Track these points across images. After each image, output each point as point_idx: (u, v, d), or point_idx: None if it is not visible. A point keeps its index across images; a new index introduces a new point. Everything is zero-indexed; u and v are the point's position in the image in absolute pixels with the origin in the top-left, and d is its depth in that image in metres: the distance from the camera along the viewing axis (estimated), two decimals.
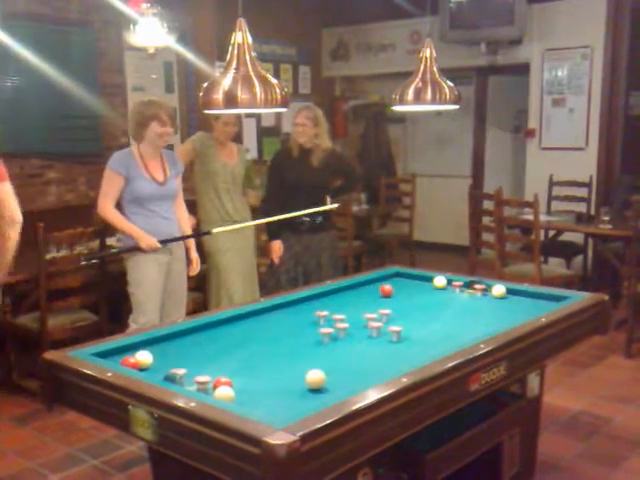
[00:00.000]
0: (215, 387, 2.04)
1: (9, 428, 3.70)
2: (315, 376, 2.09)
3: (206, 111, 2.47)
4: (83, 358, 2.31)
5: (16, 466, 3.30)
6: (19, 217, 2.66)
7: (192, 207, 4.62)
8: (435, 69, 3.29)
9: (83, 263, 3.90)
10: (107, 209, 3.75)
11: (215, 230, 3.91)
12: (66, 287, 4.03)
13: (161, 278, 3.82)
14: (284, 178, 4.32)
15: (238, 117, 4.62)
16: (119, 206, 3.83)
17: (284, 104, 2.40)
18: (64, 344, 2.74)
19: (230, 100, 2.31)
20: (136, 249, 3.72)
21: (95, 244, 4.33)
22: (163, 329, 2.70)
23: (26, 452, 3.44)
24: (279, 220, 4.37)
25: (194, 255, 4.00)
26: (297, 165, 4.30)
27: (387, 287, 3.29)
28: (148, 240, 3.70)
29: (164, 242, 3.75)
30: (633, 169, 6.18)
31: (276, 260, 4.35)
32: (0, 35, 4.74)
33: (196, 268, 4.02)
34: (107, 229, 4.19)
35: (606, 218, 5.29)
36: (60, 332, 4.00)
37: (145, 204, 3.76)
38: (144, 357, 2.31)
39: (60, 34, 5.59)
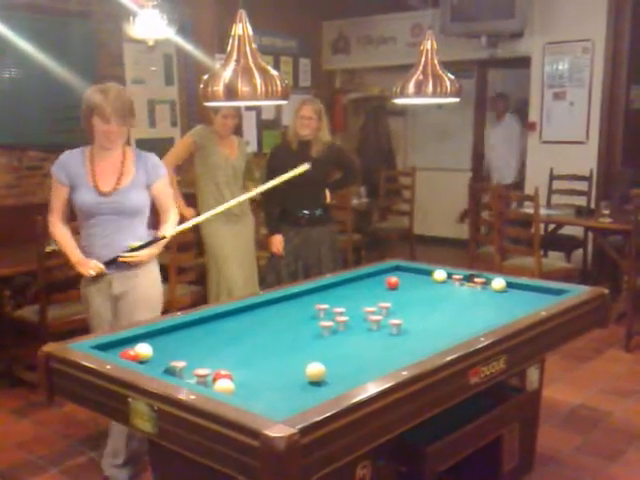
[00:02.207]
0: (215, 380, 2.04)
1: (8, 420, 3.71)
2: (315, 369, 2.09)
3: (206, 104, 2.47)
4: (83, 350, 2.31)
5: (16, 458, 3.30)
6: None
7: (192, 200, 4.62)
8: (436, 62, 3.28)
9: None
10: (52, 225, 3.08)
11: (168, 234, 3.10)
12: (65, 280, 4.02)
13: (107, 312, 3.08)
14: (282, 171, 4.30)
15: (238, 110, 4.60)
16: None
17: (285, 96, 2.39)
18: (64, 337, 2.73)
19: (230, 92, 2.30)
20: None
21: None
22: (163, 322, 2.70)
23: (25, 444, 3.45)
24: (279, 214, 4.38)
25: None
26: (296, 158, 4.28)
27: (393, 279, 3.29)
28: (85, 266, 2.98)
29: (108, 264, 2.98)
30: (633, 163, 6.17)
31: (278, 253, 4.33)
32: None
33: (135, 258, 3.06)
34: None
35: (606, 212, 5.28)
36: (60, 325, 4.00)
37: (87, 219, 3.01)
38: (144, 350, 2.30)
39: (59, 25, 5.57)
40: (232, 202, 3.42)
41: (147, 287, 3.08)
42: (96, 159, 3.02)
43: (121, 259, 2.96)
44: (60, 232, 3.06)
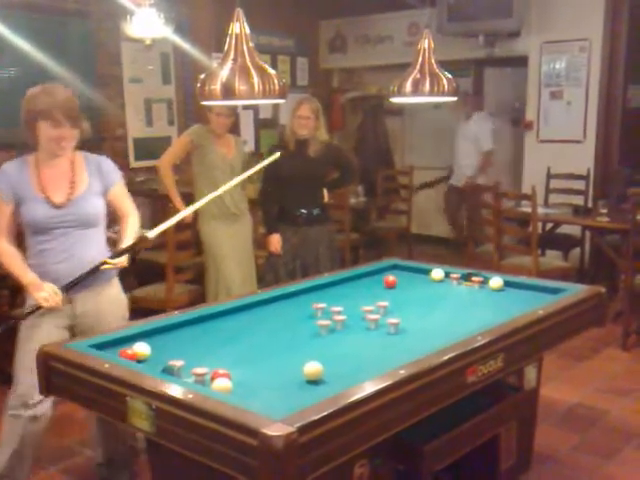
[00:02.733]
0: (213, 379, 2.04)
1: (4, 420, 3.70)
2: (313, 368, 2.09)
3: (203, 102, 2.46)
4: (80, 350, 2.31)
5: None
6: None
7: (189, 200, 4.61)
8: (433, 61, 3.28)
9: None
10: None
11: (113, 261, 2.74)
12: None
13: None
14: (280, 171, 4.31)
15: (232, 108, 4.59)
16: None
17: (282, 95, 2.38)
18: None
19: (228, 91, 2.30)
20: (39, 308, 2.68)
21: None
22: (161, 321, 2.70)
23: None
24: (277, 213, 4.38)
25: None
26: (294, 157, 4.29)
27: (391, 278, 3.29)
28: (39, 289, 2.65)
29: (68, 288, 2.68)
30: (631, 162, 6.18)
31: (276, 252, 4.33)
32: None
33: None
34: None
35: (603, 211, 5.29)
36: None
37: (39, 235, 2.72)
38: (142, 349, 2.30)
39: (57, 25, 5.58)
40: (219, 191, 3.25)
41: (111, 303, 2.86)
42: (42, 168, 2.74)
43: (104, 267, 2.72)
44: (6, 252, 2.70)
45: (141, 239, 2.77)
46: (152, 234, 2.73)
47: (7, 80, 5.33)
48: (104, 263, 2.71)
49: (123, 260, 2.77)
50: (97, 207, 2.79)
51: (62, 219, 2.70)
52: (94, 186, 2.79)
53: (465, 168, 7.10)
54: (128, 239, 2.81)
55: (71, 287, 2.68)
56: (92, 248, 2.77)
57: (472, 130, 7.09)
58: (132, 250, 2.81)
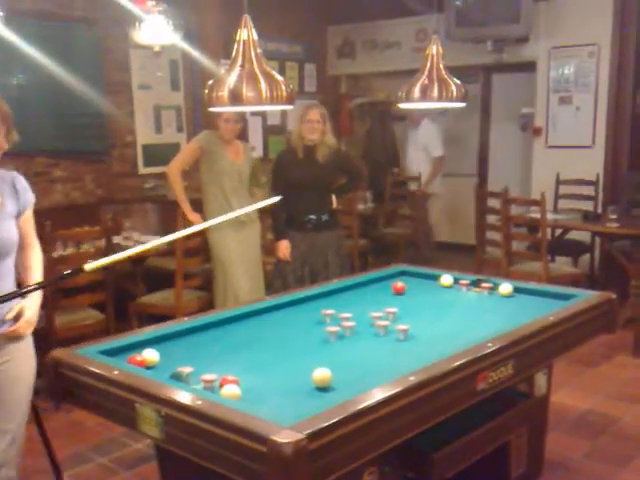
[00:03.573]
0: (222, 385, 2.04)
1: None
2: (322, 374, 2.08)
3: (211, 109, 2.47)
4: (90, 356, 2.32)
5: (24, 465, 3.29)
6: None
7: (198, 206, 4.62)
8: (442, 66, 3.27)
9: None
10: None
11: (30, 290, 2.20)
12: (73, 286, 4.03)
13: None
14: (288, 177, 4.31)
15: (240, 114, 4.60)
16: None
17: (290, 101, 2.38)
18: (71, 343, 2.73)
19: (235, 97, 2.30)
20: None
21: (101, 242, 4.33)
22: (170, 327, 2.70)
23: (34, 451, 3.43)
24: (285, 219, 4.38)
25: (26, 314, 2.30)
26: (303, 163, 4.29)
27: (399, 284, 3.28)
28: None
29: None
30: None
31: (284, 258, 4.32)
32: (5, 33, 4.74)
33: (23, 326, 2.30)
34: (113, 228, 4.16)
35: (613, 216, 5.26)
36: (67, 330, 4.00)
37: None
38: (151, 355, 2.30)
39: (66, 32, 5.60)
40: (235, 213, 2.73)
41: (22, 361, 2.38)
42: None
43: (8, 331, 2.26)
44: None
45: (77, 270, 2.04)
46: (89, 267, 1.99)
47: (16, 87, 5.35)
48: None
49: (31, 318, 2.32)
50: (13, 232, 2.31)
51: None
52: (10, 207, 2.32)
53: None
54: (37, 276, 2.39)
55: None
56: (5, 282, 2.27)
57: (421, 137, 7.10)
58: (55, 283, 2.40)
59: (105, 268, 4.14)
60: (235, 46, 2.36)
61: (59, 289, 3.94)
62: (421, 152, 7.20)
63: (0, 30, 4.49)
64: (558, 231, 6.10)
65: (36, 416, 2.73)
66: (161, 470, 2.45)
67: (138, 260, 4.78)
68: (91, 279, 4.11)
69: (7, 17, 4.36)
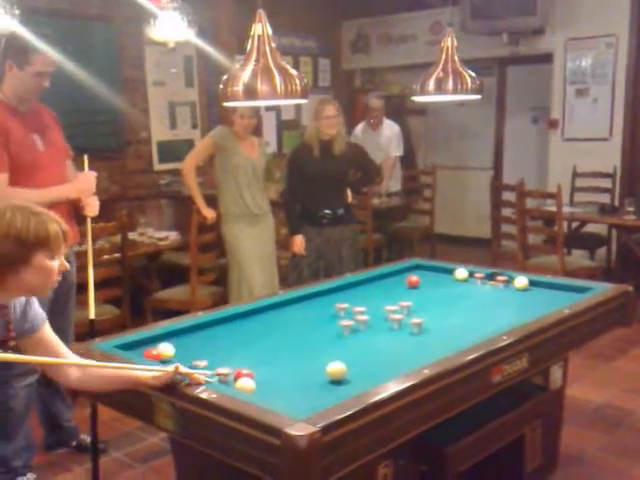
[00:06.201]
0: (236, 379, 2.05)
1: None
2: (336, 367, 2.09)
3: (226, 104, 2.47)
4: (106, 350, 2.33)
5: (39, 459, 3.33)
6: None
7: (212, 201, 4.64)
8: (456, 59, 3.26)
9: None
10: None
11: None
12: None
13: None
14: (304, 172, 4.31)
15: (255, 110, 4.61)
16: None
17: (304, 95, 2.39)
18: (87, 338, 2.76)
19: (250, 92, 2.31)
20: None
21: (117, 238, 4.36)
22: (185, 321, 2.72)
23: (49, 444, 3.48)
24: (300, 213, 4.38)
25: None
26: (319, 159, 4.29)
27: (414, 278, 3.28)
28: None
29: None
30: None
31: (299, 253, 4.33)
32: (20, 30, 4.77)
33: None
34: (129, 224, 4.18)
35: (630, 209, 5.22)
36: (83, 326, 4.03)
37: None
38: (166, 349, 2.31)
39: (81, 29, 5.63)
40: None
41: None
42: None
43: None
44: None
45: None
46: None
47: None
48: None
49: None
50: None
51: None
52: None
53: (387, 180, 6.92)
54: None
55: None
56: None
57: (384, 138, 6.74)
58: None
59: (120, 262, 4.17)
60: (250, 41, 2.37)
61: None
62: (382, 153, 6.96)
63: (16, 28, 4.51)
64: (575, 224, 6.07)
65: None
66: (176, 464, 2.46)
67: (153, 256, 4.80)
68: (107, 275, 4.14)
69: (23, 15, 4.38)
